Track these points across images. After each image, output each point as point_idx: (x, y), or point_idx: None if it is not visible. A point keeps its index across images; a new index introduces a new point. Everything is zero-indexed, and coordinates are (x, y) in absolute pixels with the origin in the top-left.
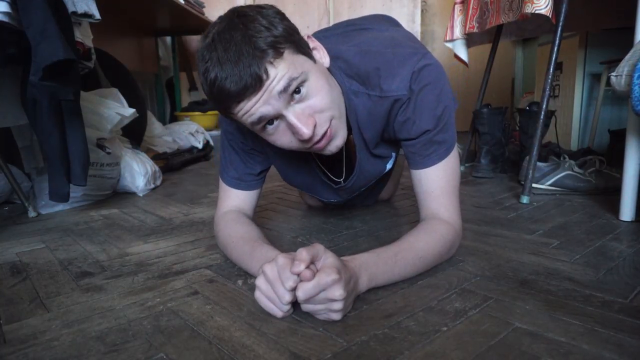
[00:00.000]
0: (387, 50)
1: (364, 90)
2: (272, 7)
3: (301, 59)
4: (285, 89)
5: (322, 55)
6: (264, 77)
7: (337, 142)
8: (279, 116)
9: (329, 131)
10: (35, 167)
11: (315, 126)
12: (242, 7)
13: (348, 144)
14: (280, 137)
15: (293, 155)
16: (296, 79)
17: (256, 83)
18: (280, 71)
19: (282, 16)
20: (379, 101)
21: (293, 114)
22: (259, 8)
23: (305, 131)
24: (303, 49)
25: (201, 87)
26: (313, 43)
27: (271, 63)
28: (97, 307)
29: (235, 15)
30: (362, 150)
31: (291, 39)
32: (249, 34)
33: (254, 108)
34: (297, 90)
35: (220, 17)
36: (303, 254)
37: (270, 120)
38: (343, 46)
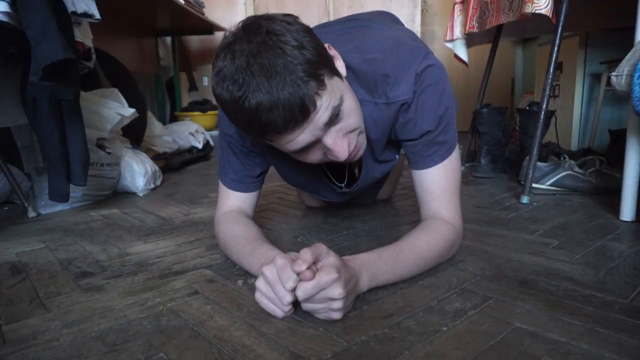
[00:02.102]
0: (391, 56)
1: (370, 99)
2: (295, 20)
3: (336, 81)
4: (330, 120)
5: (340, 65)
6: (311, 108)
7: (361, 152)
8: (317, 141)
9: (357, 147)
10: (35, 167)
11: (349, 145)
12: (267, 20)
13: None
14: (312, 156)
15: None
16: (338, 107)
17: (303, 116)
18: (324, 101)
19: (310, 35)
20: (386, 108)
21: (330, 138)
22: (286, 24)
23: (344, 155)
24: (334, 68)
25: (224, 105)
26: (332, 51)
27: (317, 94)
28: (97, 307)
29: (265, 32)
30: (368, 159)
31: (324, 61)
32: (289, 60)
33: (298, 139)
34: (336, 115)
35: (245, 30)
36: (307, 254)
37: None
38: (347, 48)
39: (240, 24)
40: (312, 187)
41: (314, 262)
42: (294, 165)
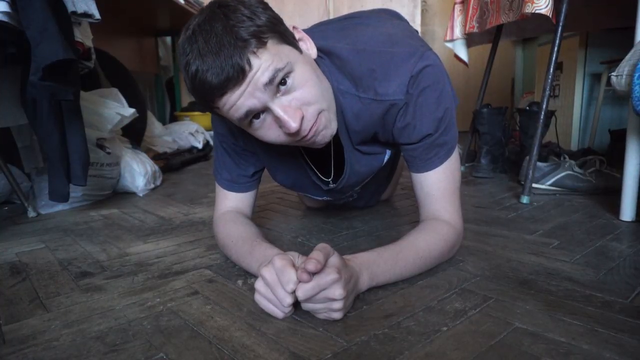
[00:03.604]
0: (383, 50)
1: (354, 92)
2: None
3: (286, 49)
4: (270, 81)
5: (308, 47)
6: (247, 68)
7: (327, 132)
8: (265, 109)
9: (317, 124)
10: (35, 167)
11: (302, 119)
12: None
13: (338, 142)
14: (267, 132)
15: (282, 153)
16: (282, 70)
17: (239, 74)
18: (264, 62)
19: (265, 6)
20: (372, 104)
21: (279, 107)
22: None
23: (293, 124)
24: (288, 39)
25: (185, 83)
26: (299, 34)
27: (254, 53)
28: (97, 307)
29: (217, 5)
30: (350, 152)
31: (275, 29)
32: (230, 24)
33: (239, 102)
34: (283, 82)
35: (202, 9)
36: (320, 255)
37: (256, 114)
38: (338, 43)
39: None
40: (300, 185)
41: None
42: (283, 162)
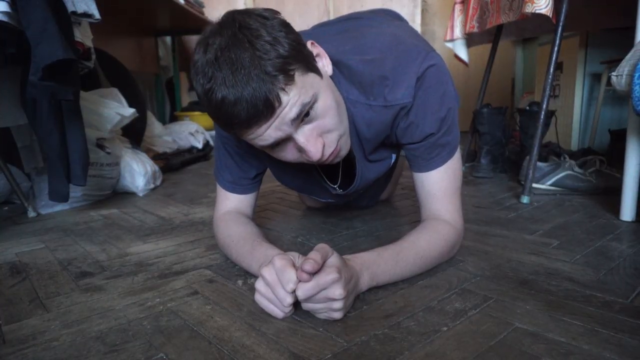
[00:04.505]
0: (390, 55)
1: (364, 101)
2: (275, 15)
3: (310, 78)
4: (298, 116)
5: (324, 64)
6: (276, 104)
7: (342, 153)
8: (289, 138)
9: (336, 149)
10: (35, 167)
11: (323, 146)
12: (243, 14)
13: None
14: (287, 154)
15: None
16: (308, 104)
17: (268, 111)
18: (292, 97)
19: (287, 29)
20: (383, 111)
21: (302, 136)
22: (262, 18)
23: (316, 154)
24: (311, 64)
25: (199, 99)
26: (316, 49)
27: (283, 89)
28: (97, 307)
29: (238, 27)
30: (362, 161)
31: (299, 57)
32: (257, 55)
33: (265, 134)
34: (307, 113)
35: (220, 25)
36: (317, 255)
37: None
38: (345, 48)
39: (219, 18)
40: (307, 188)
41: (323, 263)
42: (290, 168)
